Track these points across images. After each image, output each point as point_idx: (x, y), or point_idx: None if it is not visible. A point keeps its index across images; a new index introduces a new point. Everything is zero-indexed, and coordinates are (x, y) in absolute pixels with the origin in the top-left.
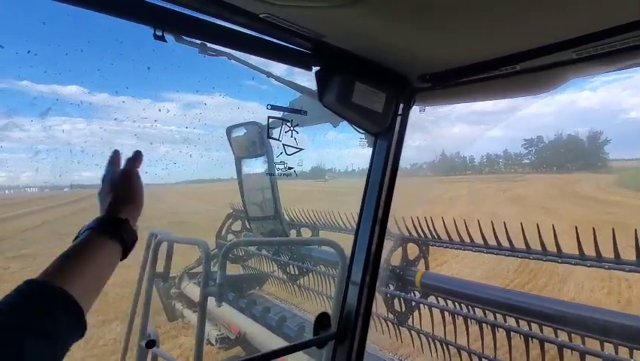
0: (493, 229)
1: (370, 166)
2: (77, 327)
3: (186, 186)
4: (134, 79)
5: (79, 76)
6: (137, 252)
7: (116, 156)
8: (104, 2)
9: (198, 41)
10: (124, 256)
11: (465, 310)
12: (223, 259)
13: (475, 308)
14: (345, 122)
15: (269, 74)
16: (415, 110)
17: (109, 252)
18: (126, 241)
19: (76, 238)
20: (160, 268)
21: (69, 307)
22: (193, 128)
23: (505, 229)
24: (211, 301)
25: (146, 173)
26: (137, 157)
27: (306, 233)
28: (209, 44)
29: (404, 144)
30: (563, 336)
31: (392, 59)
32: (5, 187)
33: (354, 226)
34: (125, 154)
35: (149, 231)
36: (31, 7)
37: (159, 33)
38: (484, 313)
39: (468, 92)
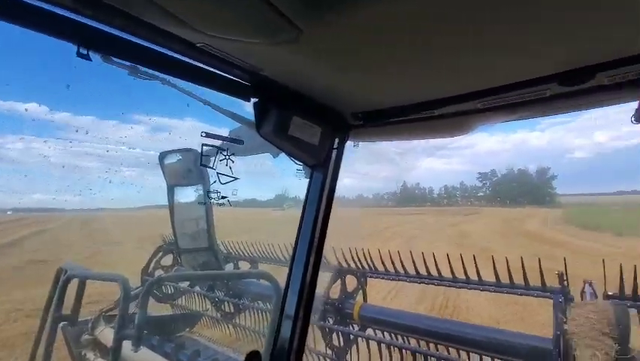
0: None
1: (306, 197)
2: None
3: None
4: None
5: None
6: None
7: None
8: (24, 16)
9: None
10: None
11: (400, 340)
12: (145, 296)
13: (410, 338)
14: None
15: (206, 102)
16: (349, 144)
17: None
18: None
19: None
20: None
21: None
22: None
23: (435, 262)
24: (129, 346)
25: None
26: None
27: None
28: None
29: (371, 175)
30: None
31: (328, 97)
32: None
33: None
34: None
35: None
36: None
37: (84, 52)
38: (418, 343)
39: (397, 130)
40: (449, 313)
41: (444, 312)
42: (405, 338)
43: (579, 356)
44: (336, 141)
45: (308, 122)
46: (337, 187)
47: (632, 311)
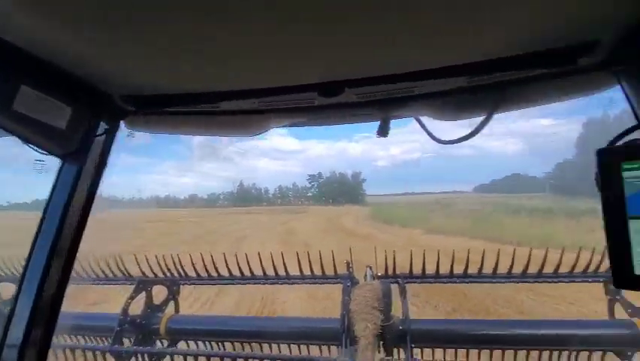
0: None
1: (51, 195)
2: None
3: None
4: None
5: None
6: None
7: None
8: None
9: None
10: None
11: (216, 348)
12: None
13: (225, 343)
14: None
15: None
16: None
17: None
18: None
19: None
20: None
21: None
22: None
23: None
24: None
25: None
26: None
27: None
28: None
29: (211, 174)
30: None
31: (85, 70)
32: None
33: None
34: None
35: None
36: None
37: None
38: (233, 346)
39: (180, 122)
40: (268, 311)
41: (263, 311)
42: (221, 343)
43: (357, 329)
44: (103, 127)
45: (48, 98)
46: (174, 185)
47: (394, 286)
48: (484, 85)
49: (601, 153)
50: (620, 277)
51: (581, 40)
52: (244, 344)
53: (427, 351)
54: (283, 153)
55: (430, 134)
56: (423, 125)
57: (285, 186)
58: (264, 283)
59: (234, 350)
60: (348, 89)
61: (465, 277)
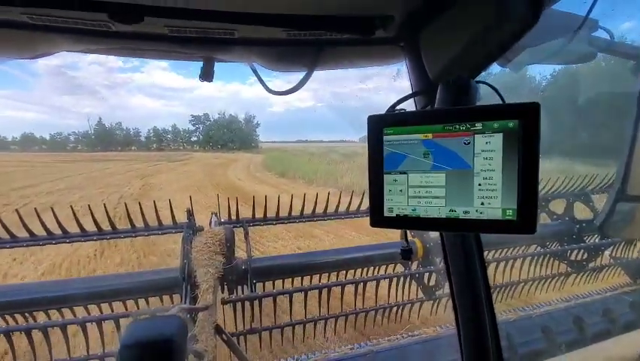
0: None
1: None
2: None
3: None
4: None
5: None
6: None
7: None
8: None
9: None
10: None
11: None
12: None
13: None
14: None
15: None
16: None
17: None
18: None
19: None
20: None
21: None
22: None
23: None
24: None
25: None
26: None
27: None
28: None
29: (67, 109)
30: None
31: None
32: None
33: None
34: None
35: None
36: None
37: None
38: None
39: None
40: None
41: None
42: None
43: (198, 276)
44: None
45: None
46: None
47: (238, 230)
48: (301, 40)
49: (369, 119)
50: (375, 218)
51: (381, 13)
52: (74, 308)
53: (268, 284)
54: (164, 90)
55: (261, 81)
56: (256, 72)
57: (163, 128)
58: (95, 240)
59: (63, 318)
60: (150, 18)
61: (289, 218)
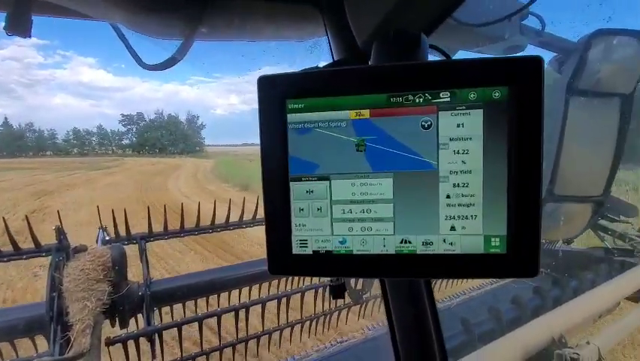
0: None
1: None
2: None
3: None
4: None
5: None
6: None
7: None
8: None
9: None
10: None
11: None
12: None
13: None
14: None
15: None
16: None
17: None
18: None
19: None
20: None
21: None
22: None
23: None
24: None
25: None
26: None
27: None
28: None
29: None
30: None
31: None
32: None
33: None
34: None
35: None
36: None
37: None
38: None
39: None
40: None
41: None
42: None
43: (71, 312)
44: None
45: None
46: None
47: (129, 248)
48: None
49: (260, 82)
50: (276, 260)
51: None
52: None
53: (167, 309)
54: (92, 90)
55: (130, 49)
56: (123, 39)
57: (86, 130)
58: None
59: None
60: None
61: (199, 229)
